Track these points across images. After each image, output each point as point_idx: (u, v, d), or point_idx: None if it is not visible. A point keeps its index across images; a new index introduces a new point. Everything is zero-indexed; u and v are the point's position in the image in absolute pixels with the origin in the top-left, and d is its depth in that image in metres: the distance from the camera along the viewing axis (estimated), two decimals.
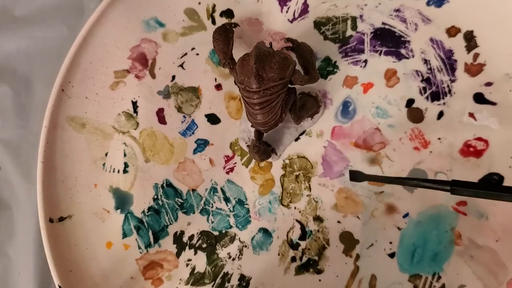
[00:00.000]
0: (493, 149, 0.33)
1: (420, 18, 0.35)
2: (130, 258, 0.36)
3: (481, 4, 0.33)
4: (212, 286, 0.36)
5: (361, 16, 0.35)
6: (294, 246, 0.35)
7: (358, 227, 0.35)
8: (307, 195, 0.36)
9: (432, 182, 0.29)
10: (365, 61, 0.35)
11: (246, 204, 0.36)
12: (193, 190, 0.37)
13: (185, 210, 0.37)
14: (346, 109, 0.36)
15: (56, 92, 0.35)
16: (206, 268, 0.36)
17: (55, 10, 0.41)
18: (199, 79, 0.37)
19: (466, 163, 0.33)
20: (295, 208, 0.36)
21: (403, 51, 0.35)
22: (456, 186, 0.27)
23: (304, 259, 0.35)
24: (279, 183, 0.36)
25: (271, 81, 0.30)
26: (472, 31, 0.33)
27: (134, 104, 0.37)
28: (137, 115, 0.37)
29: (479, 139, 0.33)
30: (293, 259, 0.35)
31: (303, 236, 0.35)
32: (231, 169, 0.37)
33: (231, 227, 0.36)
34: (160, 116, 0.37)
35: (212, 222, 0.36)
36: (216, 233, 0.36)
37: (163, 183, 0.37)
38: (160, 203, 0.37)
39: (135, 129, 0.37)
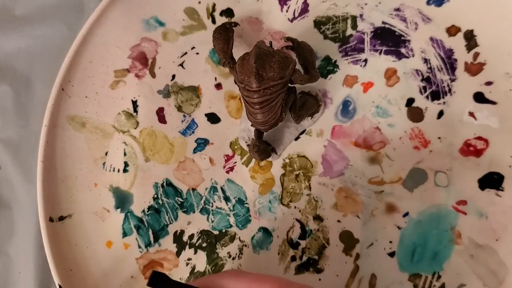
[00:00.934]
0: (493, 148, 0.33)
1: (420, 17, 0.35)
2: (130, 258, 0.36)
3: (481, 3, 0.33)
4: None
5: (361, 15, 0.35)
6: (294, 245, 0.35)
7: (358, 226, 0.35)
8: (307, 194, 0.36)
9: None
10: (365, 61, 0.35)
11: (246, 203, 0.36)
12: (193, 189, 0.37)
13: (185, 209, 0.37)
14: (346, 109, 0.36)
15: (56, 91, 0.35)
16: (206, 267, 0.36)
17: (55, 9, 0.41)
18: (199, 78, 0.37)
19: (466, 162, 0.33)
20: (295, 207, 0.36)
21: (403, 50, 0.35)
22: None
23: (304, 258, 0.35)
24: (279, 182, 0.36)
25: (271, 80, 0.30)
26: (472, 30, 0.33)
27: (134, 103, 0.37)
28: (137, 114, 0.37)
29: (479, 138, 0.33)
30: (293, 258, 0.35)
31: (303, 235, 0.35)
32: (231, 168, 0.37)
33: (231, 226, 0.36)
34: (160, 115, 0.37)
35: (212, 221, 0.36)
36: (216, 232, 0.36)
37: (163, 182, 0.37)
38: (160, 202, 0.37)
39: (135, 128, 0.37)
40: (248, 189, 0.36)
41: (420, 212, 0.34)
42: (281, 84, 0.30)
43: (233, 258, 0.36)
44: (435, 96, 0.34)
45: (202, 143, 0.37)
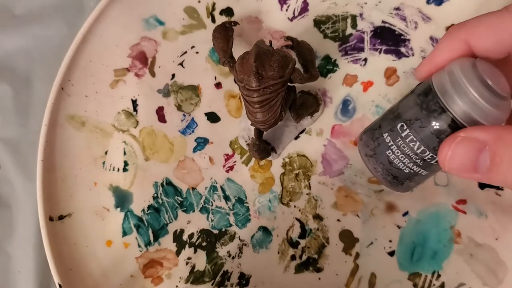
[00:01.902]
0: None
1: (420, 16, 0.35)
2: (130, 257, 0.36)
3: (480, 2, 0.33)
4: (212, 284, 0.36)
5: (361, 15, 0.35)
6: (293, 244, 0.35)
7: (358, 225, 0.35)
8: (306, 194, 0.36)
9: None
10: (365, 60, 0.35)
11: (246, 202, 0.36)
12: (193, 189, 0.37)
13: (185, 208, 0.37)
14: (346, 108, 0.36)
15: (55, 90, 0.35)
16: (206, 266, 0.36)
17: (54, 9, 0.41)
18: (199, 78, 0.37)
19: None
20: (294, 206, 0.36)
21: (403, 49, 0.35)
22: None
23: (304, 257, 0.35)
24: (279, 181, 0.36)
25: (270, 80, 0.30)
26: None
27: (134, 103, 0.37)
28: (137, 113, 0.37)
29: None
30: (293, 257, 0.35)
31: (302, 235, 0.35)
32: (231, 168, 0.37)
33: (231, 225, 0.36)
34: (160, 114, 0.37)
35: (212, 220, 0.36)
36: (216, 231, 0.36)
37: (163, 181, 0.37)
38: (160, 201, 0.37)
39: (135, 128, 0.37)
40: (248, 188, 0.36)
41: (419, 211, 0.34)
42: (280, 83, 0.30)
43: (233, 257, 0.36)
44: None
45: (202, 142, 0.37)
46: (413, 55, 0.35)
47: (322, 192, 0.35)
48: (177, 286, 0.36)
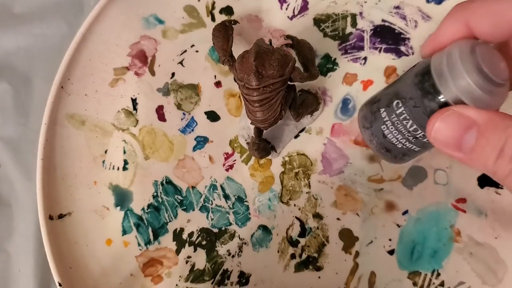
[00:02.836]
0: None
1: (420, 15, 0.34)
2: (129, 255, 0.36)
3: None
4: (212, 283, 0.36)
5: (360, 13, 0.35)
6: (293, 243, 0.35)
7: (358, 224, 0.35)
8: (306, 192, 0.36)
9: None
10: (365, 58, 0.35)
11: (246, 201, 0.36)
12: (193, 187, 0.37)
13: (185, 207, 0.37)
14: (346, 107, 0.36)
15: (55, 89, 0.35)
16: (205, 265, 0.36)
17: (54, 7, 0.41)
18: (199, 76, 0.37)
19: None
20: (294, 205, 0.36)
21: (403, 48, 0.35)
22: None
23: (304, 256, 0.35)
24: (278, 180, 0.36)
25: (270, 78, 0.30)
26: None
27: (134, 101, 0.37)
28: (136, 112, 0.37)
29: None
30: (293, 256, 0.35)
31: (302, 233, 0.35)
32: (231, 166, 0.37)
33: (230, 224, 0.36)
34: (160, 113, 0.37)
35: (212, 219, 0.36)
36: (215, 230, 0.36)
37: (163, 180, 0.37)
38: (160, 200, 0.37)
39: (134, 126, 0.37)
40: (248, 187, 0.36)
41: (419, 210, 0.34)
42: (280, 82, 0.30)
43: (233, 256, 0.36)
44: None
45: (201, 141, 0.37)
46: (413, 54, 0.34)
47: (322, 191, 0.35)
48: (177, 285, 0.36)
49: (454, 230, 0.33)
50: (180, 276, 0.36)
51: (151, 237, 0.36)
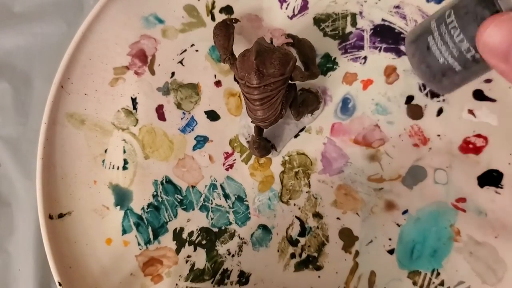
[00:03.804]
0: (493, 146, 0.33)
1: (420, 14, 0.34)
2: (129, 255, 0.36)
3: None
4: (212, 282, 0.36)
5: (360, 13, 0.35)
6: (293, 242, 0.35)
7: (358, 223, 0.35)
8: (306, 192, 0.36)
9: None
10: (365, 58, 0.35)
11: (246, 200, 0.36)
12: (193, 187, 0.37)
13: (185, 206, 0.37)
14: (346, 106, 0.36)
15: (55, 88, 0.35)
16: (205, 264, 0.36)
17: (54, 7, 0.41)
18: (199, 76, 0.37)
19: (466, 160, 0.33)
20: (294, 204, 0.36)
21: (403, 47, 0.35)
22: None
23: (304, 255, 0.35)
24: (278, 179, 0.36)
25: (271, 77, 0.30)
26: None
27: (134, 101, 0.37)
28: (136, 111, 0.37)
29: (479, 135, 0.33)
30: (293, 255, 0.35)
31: (302, 233, 0.35)
32: (231, 166, 0.37)
33: (230, 223, 0.36)
34: (160, 112, 0.37)
35: (212, 218, 0.36)
36: (215, 229, 0.36)
37: (163, 179, 0.37)
38: (160, 199, 0.37)
39: (134, 126, 0.37)
40: (248, 187, 0.36)
41: (419, 209, 0.34)
42: (281, 80, 0.30)
43: (233, 256, 0.36)
44: (435, 93, 0.34)
45: (201, 141, 0.37)
46: None
47: (322, 190, 0.35)
48: (177, 284, 0.36)
49: (454, 229, 0.33)
50: (180, 276, 0.36)
51: (151, 236, 0.36)
